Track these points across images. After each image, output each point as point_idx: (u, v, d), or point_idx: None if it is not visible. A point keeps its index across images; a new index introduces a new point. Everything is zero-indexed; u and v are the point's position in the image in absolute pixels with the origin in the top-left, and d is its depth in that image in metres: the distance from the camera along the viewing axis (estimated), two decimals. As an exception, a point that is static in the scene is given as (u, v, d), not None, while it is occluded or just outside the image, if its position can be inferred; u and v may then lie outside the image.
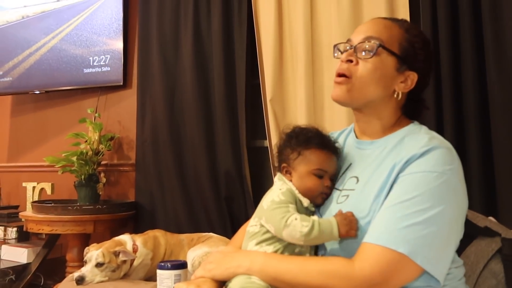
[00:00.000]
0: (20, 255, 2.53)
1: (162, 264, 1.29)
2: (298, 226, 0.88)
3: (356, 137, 1.04)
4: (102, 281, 1.53)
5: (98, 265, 1.54)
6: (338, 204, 0.94)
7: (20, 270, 2.42)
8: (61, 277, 1.85)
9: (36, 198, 2.73)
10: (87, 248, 1.64)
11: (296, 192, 0.96)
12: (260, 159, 2.32)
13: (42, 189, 2.75)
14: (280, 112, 2.11)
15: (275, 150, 1.07)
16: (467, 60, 1.68)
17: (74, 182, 2.44)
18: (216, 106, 2.26)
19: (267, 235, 0.94)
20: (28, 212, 2.41)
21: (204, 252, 1.60)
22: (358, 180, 0.93)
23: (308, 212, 0.97)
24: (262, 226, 0.96)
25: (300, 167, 0.98)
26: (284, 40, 2.13)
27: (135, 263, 1.64)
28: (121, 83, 2.65)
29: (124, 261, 1.60)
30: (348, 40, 0.98)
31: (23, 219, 2.35)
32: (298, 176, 0.98)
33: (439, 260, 0.81)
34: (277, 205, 0.93)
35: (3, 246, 2.66)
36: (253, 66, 2.22)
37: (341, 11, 1.95)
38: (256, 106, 2.21)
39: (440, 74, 1.72)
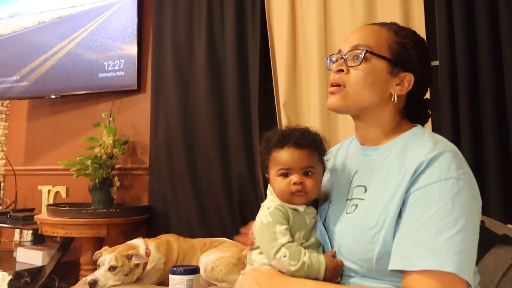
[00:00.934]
0: (35, 257, 2.56)
1: (175, 269, 1.29)
2: (285, 263, 0.88)
3: (360, 144, 1.02)
4: (115, 285, 1.54)
5: (111, 268, 1.55)
6: (347, 214, 0.92)
7: (35, 272, 2.45)
8: (75, 280, 1.87)
9: (51, 201, 2.77)
10: (98, 251, 1.65)
11: (284, 204, 0.94)
12: (273, 164, 2.31)
13: (57, 192, 2.79)
14: (294, 117, 2.10)
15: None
16: (484, 64, 1.65)
17: (89, 185, 2.46)
18: (229, 110, 2.26)
19: None
20: (43, 215, 2.43)
21: (216, 257, 1.59)
22: (366, 190, 0.92)
23: (310, 217, 0.95)
24: None
25: (270, 173, 0.97)
26: (298, 44, 2.13)
27: (148, 267, 1.65)
28: (135, 88, 2.68)
29: (137, 265, 1.60)
30: (339, 51, 0.99)
31: (38, 222, 2.38)
32: (271, 182, 0.97)
33: (472, 268, 0.80)
34: (266, 228, 0.92)
35: (19, 249, 2.70)
36: (267, 71, 2.22)
37: (355, 15, 1.94)
38: (270, 110, 2.21)
39: (456, 78, 1.69)
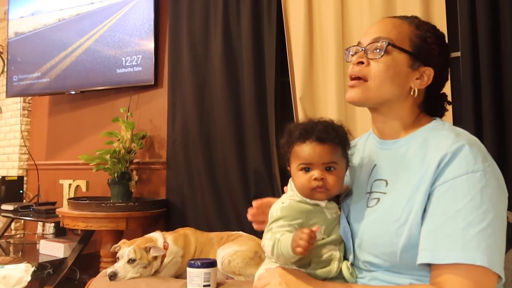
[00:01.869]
0: (57, 249, 2.63)
1: (192, 262, 1.31)
2: (266, 245, 0.89)
3: (378, 137, 1.01)
4: (133, 278, 1.56)
5: (130, 261, 1.57)
6: (369, 207, 0.91)
7: (57, 264, 2.51)
8: (96, 272, 1.90)
9: (72, 195, 2.82)
10: (116, 245, 1.68)
11: (303, 199, 0.92)
12: (289, 158, 2.30)
13: (77, 186, 2.85)
14: (310, 110, 2.08)
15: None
16: (507, 54, 1.59)
17: (108, 179, 2.50)
18: (245, 104, 2.26)
19: None
20: (64, 209, 2.49)
21: (233, 250, 1.60)
22: (387, 183, 0.91)
23: (332, 212, 0.94)
24: None
25: (292, 167, 0.95)
26: (315, 38, 2.10)
27: (166, 260, 1.67)
28: (152, 83, 2.70)
29: (155, 258, 1.63)
30: (358, 43, 0.97)
31: (59, 215, 2.43)
32: (292, 176, 0.95)
33: (502, 261, 0.78)
34: (270, 220, 0.93)
35: (42, 241, 2.77)
36: (283, 64, 2.20)
37: (373, 8, 1.90)
38: (286, 104, 2.20)
39: (478, 69, 1.65)
